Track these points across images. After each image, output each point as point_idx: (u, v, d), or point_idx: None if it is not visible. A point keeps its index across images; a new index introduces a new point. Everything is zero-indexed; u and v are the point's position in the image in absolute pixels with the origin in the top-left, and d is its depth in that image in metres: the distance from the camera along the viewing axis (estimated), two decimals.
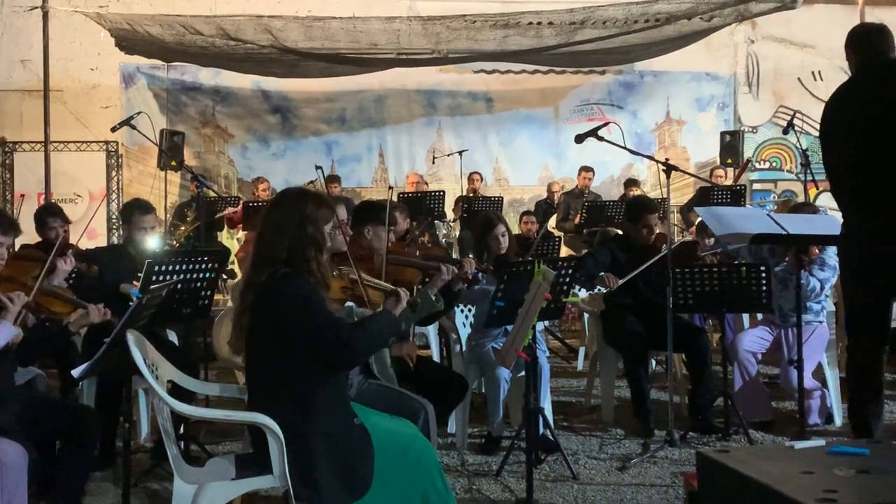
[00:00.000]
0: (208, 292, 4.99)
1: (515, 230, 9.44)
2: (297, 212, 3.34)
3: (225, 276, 9.14)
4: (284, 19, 10.77)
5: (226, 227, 10.93)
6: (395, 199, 9.88)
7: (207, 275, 4.92)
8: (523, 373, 4.85)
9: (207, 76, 13.40)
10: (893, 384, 6.69)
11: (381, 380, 4.16)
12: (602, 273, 5.74)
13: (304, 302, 3.23)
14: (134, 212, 5.39)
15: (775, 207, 10.30)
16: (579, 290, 7.12)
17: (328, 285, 3.39)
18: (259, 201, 10.45)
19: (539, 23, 10.98)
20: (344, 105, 13.87)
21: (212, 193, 10.30)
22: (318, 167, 6.65)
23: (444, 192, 10.76)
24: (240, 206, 10.38)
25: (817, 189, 9.46)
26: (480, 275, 5.37)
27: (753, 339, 5.90)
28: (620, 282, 5.65)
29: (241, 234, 10.84)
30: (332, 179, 11.71)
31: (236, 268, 10.15)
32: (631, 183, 11.93)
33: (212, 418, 3.73)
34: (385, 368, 4.23)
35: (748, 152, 13.65)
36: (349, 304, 4.09)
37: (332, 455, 3.19)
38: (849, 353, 4.46)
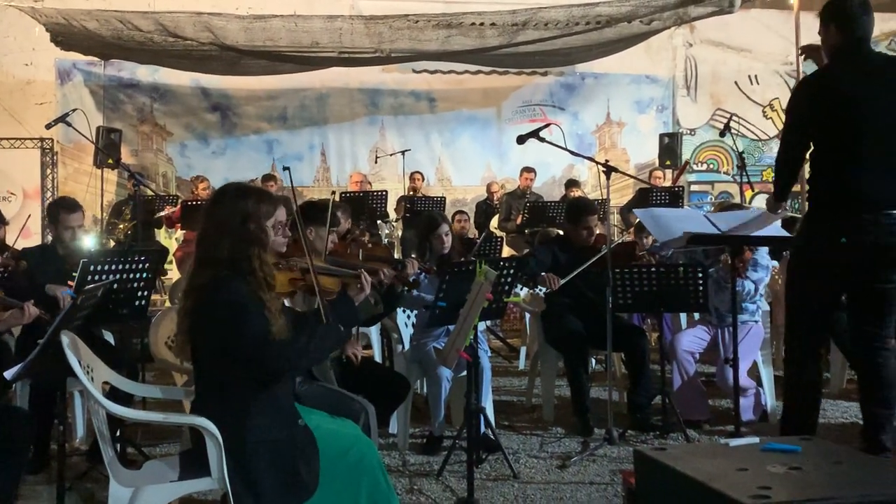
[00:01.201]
0: (145, 292, 4.90)
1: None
2: (238, 209, 3.26)
3: (163, 279, 9.01)
4: (225, 17, 10.64)
5: (164, 226, 10.77)
6: (337, 198, 9.85)
7: (144, 275, 4.84)
8: (465, 372, 4.87)
9: (145, 73, 13.20)
10: (824, 383, 6.85)
11: (321, 381, 4.13)
12: (543, 273, 5.79)
13: (236, 310, 3.13)
14: (59, 210, 5.27)
15: (712, 208, 10.49)
16: (521, 289, 7.17)
17: (271, 284, 3.31)
18: (198, 200, 10.33)
19: (481, 23, 11.03)
20: (285, 103, 13.79)
21: (149, 192, 10.14)
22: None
23: (386, 191, 10.77)
24: (178, 205, 10.23)
25: (753, 191, 9.67)
26: (423, 276, 5.38)
27: (691, 339, 5.99)
28: (562, 282, 5.70)
29: (180, 233, 10.70)
30: (269, 178, 11.62)
31: (174, 268, 10.02)
32: (572, 184, 12.05)
33: (148, 420, 3.67)
34: (324, 369, 4.21)
35: (686, 154, 13.88)
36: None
37: (277, 459, 3.15)
38: (795, 359, 4.35)
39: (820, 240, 4.22)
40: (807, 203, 4.46)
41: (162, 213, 10.24)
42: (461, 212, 10.86)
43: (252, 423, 3.17)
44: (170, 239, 11.13)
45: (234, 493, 3.10)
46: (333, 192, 7.22)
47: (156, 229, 10.76)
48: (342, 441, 3.34)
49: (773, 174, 4.57)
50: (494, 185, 12.69)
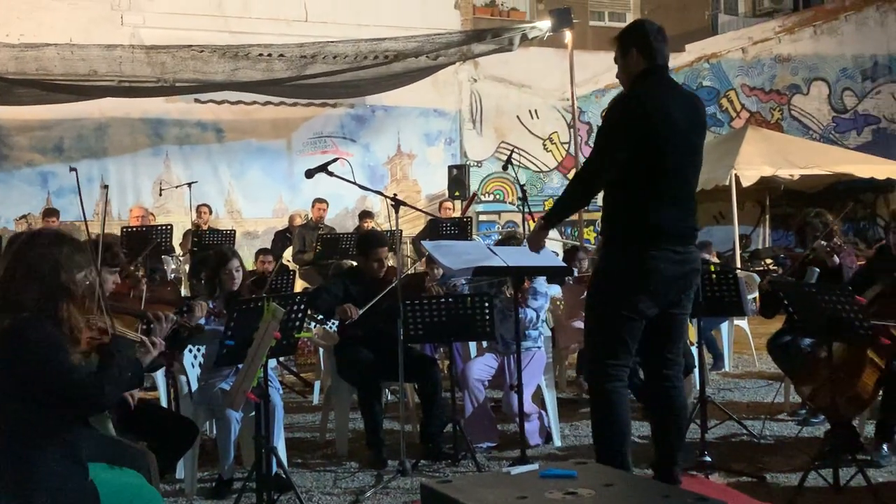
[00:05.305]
0: None
1: (250, 266, 9.18)
2: (51, 256, 3.13)
3: None
4: None
5: None
6: (118, 233, 9.43)
7: None
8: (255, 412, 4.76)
9: None
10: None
11: (97, 428, 3.92)
12: (339, 306, 5.78)
13: (49, 349, 3.02)
14: None
15: (500, 237, 10.89)
16: (313, 325, 7.13)
17: (77, 339, 3.16)
18: None
19: (269, 55, 10.98)
20: (61, 133, 13.10)
21: None
22: None
23: (171, 225, 10.37)
24: None
25: (534, 220, 10.09)
26: (212, 319, 5.23)
27: (481, 367, 6.15)
28: (360, 312, 5.71)
29: None
30: (50, 213, 10.97)
31: None
32: (365, 215, 12.14)
33: None
34: (101, 416, 3.99)
35: (474, 185, 14.34)
36: None
37: None
38: (601, 391, 4.21)
39: (629, 272, 4.15)
40: (600, 235, 4.38)
41: None
42: (265, 251, 10.43)
43: (41, 470, 3.02)
44: None
45: None
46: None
47: None
48: (125, 492, 3.22)
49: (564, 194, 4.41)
50: (297, 217, 12.53)
